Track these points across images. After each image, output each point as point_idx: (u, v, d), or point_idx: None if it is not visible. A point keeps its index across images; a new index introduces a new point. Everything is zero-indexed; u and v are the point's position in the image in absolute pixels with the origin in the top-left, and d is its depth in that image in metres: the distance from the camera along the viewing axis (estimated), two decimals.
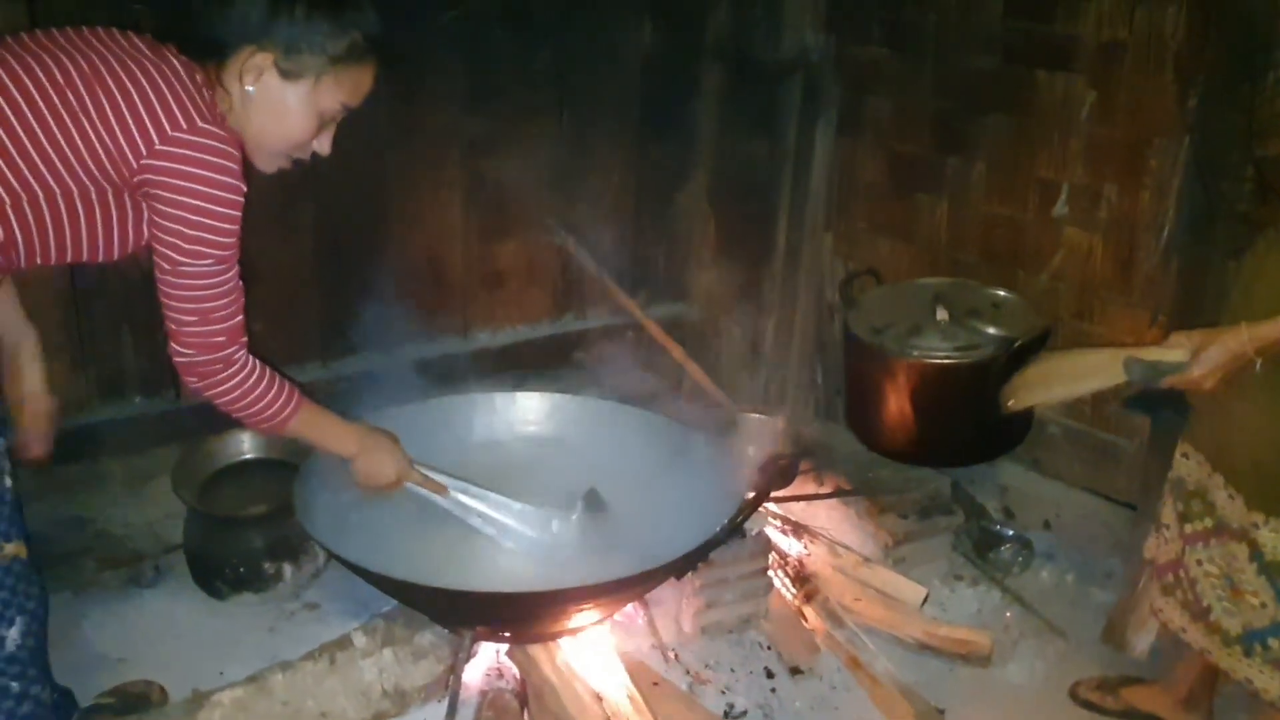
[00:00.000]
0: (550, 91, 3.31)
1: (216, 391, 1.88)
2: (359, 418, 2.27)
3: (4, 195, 1.61)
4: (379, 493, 2.24)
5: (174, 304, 1.77)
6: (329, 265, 3.10)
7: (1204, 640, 2.17)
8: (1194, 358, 1.94)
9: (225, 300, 1.79)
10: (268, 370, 1.93)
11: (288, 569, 2.71)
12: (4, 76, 1.60)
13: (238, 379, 1.87)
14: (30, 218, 1.65)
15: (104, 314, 2.84)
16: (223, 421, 2.87)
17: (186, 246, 1.71)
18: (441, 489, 2.31)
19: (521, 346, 3.42)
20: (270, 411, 1.95)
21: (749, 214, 3.73)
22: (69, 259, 1.75)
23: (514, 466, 2.61)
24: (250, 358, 1.89)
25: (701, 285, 3.73)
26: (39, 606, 1.86)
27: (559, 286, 3.56)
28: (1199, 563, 2.16)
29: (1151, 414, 2.48)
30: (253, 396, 1.91)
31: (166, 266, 1.73)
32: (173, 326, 1.80)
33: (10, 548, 1.77)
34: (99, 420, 2.89)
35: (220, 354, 1.83)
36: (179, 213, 1.68)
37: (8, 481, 1.77)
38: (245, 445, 2.86)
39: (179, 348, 1.82)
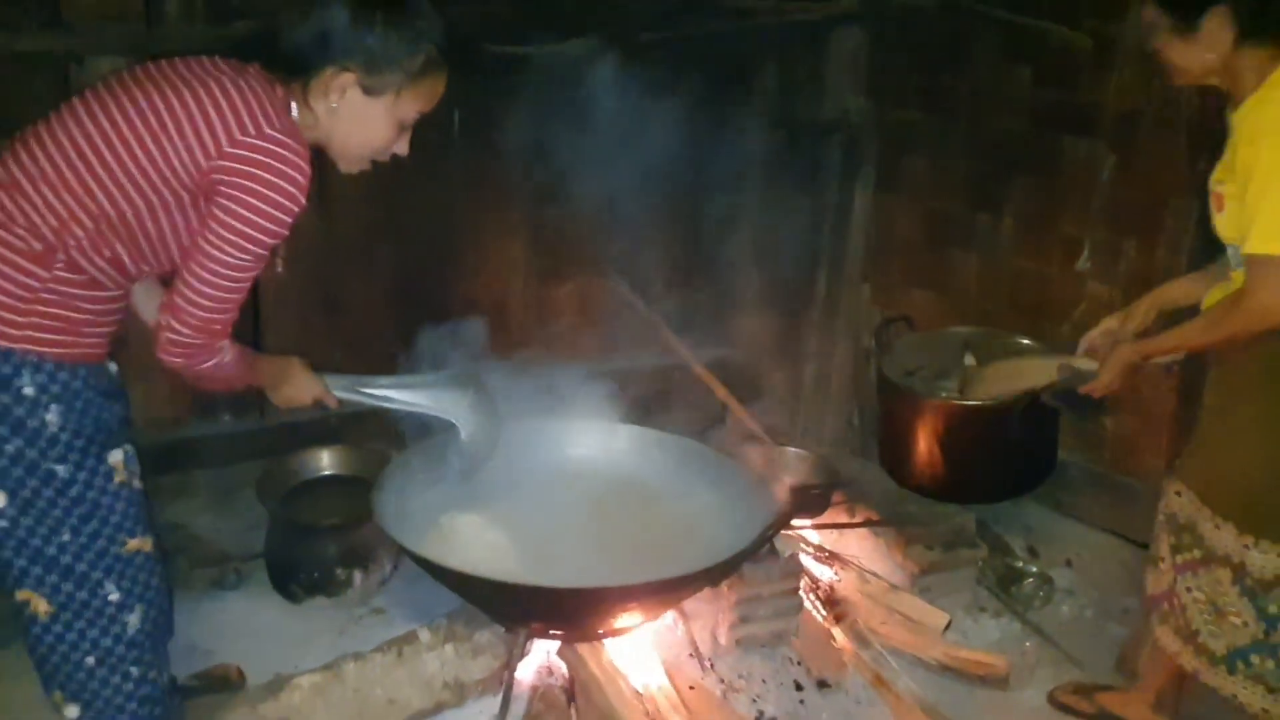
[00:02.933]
0: (606, 148, 3.53)
1: (192, 370, 1.94)
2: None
3: (104, 210, 1.79)
4: (306, 404, 2.34)
5: (194, 283, 1.82)
6: (403, 300, 3.36)
7: (1194, 662, 2.34)
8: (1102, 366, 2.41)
9: (237, 297, 1.88)
10: (231, 348, 1.99)
11: (358, 576, 2.94)
12: (97, 110, 1.80)
13: (213, 363, 1.94)
14: (123, 229, 1.82)
15: None
16: (303, 440, 3.17)
17: (229, 236, 1.79)
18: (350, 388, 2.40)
19: (570, 385, 3.63)
20: (221, 377, 2.01)
21: (791, 264, 3.93)
22: (167, 266, 1.91)
23: (564, 480, 2.84)
24: (227, 343, 1.96)
25: (745, 330, 3.92)
26: (158, 596, 2.04)
27: (611, 327, 3.78)
28: (1189, 590, 2.32)
29: (1068, 408, 2.89)
30: (215, 374, 1.98)
31: (205, 248, 1.80)
32: (180, 302, 1.84)
33: (134, 542, 1.96)
34: (192, 435, 3.16)
35: (213, 342, 1.91)
36: (234, 206, 1.78)
37: (137, 484, 1.99)
38: (324, 462, 3.11)
39: (178, 325, 1.85)
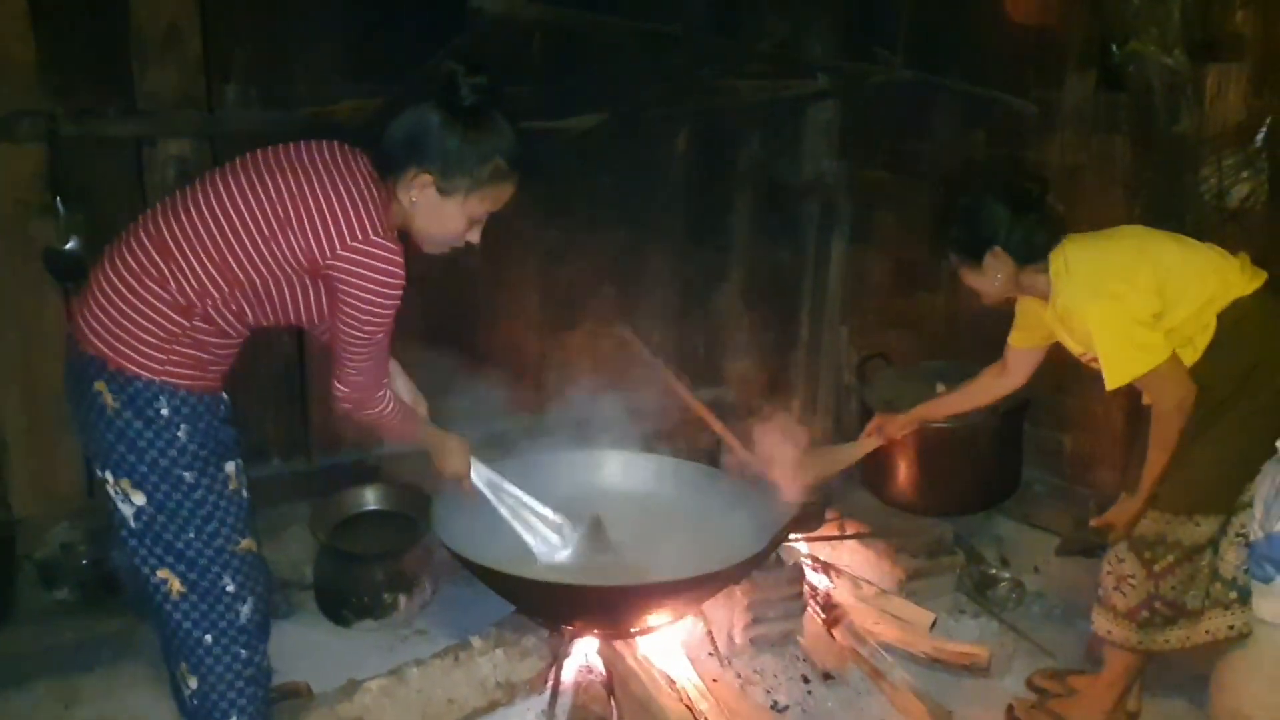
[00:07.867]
0: (611, 209, 3.90)
1: (360, 415, 2.40)
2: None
3: (238, 278, 2.14)
4: (448, 479, 2.77)
5: (341, 354, 2.26)
6: (429, 350, 3.64)
7: (1205, 625, 2.72)
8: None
9: (374, 359, 2.29)
10: (397, 401, 2.47)
11: (403, 599, 3.24)
12: (235, 191, 2.14)
13: (376, 411, 2.40)
14: (251, 294, 2.17)
15: (254, 395, 3.41)
16: (345, 480, 3.46)
17: (355, 318, 2.17)
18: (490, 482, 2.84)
19: (585, 421, 3.95)
20: (389, 427, 2.49)
21: (776, 310, 4.31)
22: (281, 322, 2.27)
23: (594, 502, 3.13)
24: (390, 393, 2.42)
25: (737, 371, 4.25)
26: (265, 590, 2.36)
27: (616, 369, 4.10)
28: (1172, 588, 2.70)
29: (1085, 555, 3.21)
30: (382, 423, 2.45)
31: (340, 329, 2.21)
32: (337, 368, 2.30)
33: (245, 542, 2.28)
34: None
35: (373, 393, 2.36)
36: (352, 299, 2.15)
37: (245, 493, 2.31)
38: (368, 498, 3.42)
39: (339, 384, 2.31)
